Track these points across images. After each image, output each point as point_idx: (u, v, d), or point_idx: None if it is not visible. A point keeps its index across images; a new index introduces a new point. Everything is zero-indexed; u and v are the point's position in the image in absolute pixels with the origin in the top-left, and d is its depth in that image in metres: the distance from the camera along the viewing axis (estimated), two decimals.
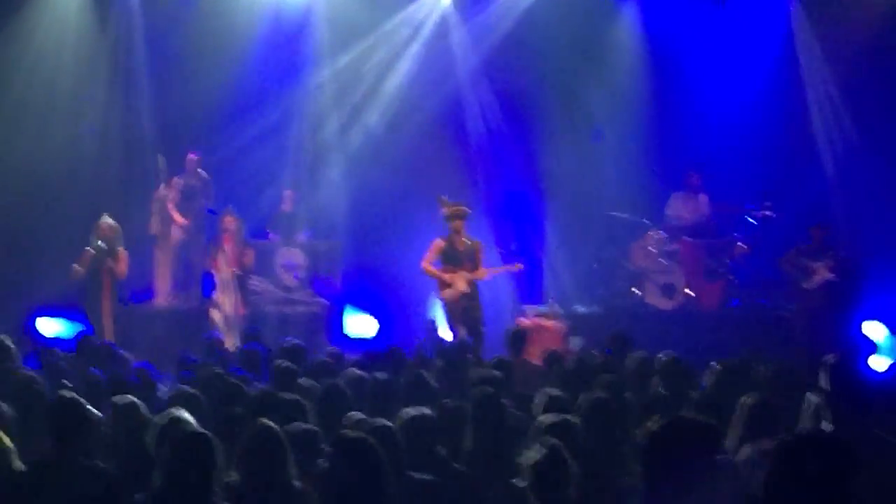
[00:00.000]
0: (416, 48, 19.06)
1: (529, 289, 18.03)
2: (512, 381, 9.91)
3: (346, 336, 17.00)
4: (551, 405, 7.79)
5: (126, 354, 11.68)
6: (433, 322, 16.09)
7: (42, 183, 17.45)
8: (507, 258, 16.04)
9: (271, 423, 6.50)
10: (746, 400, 7.11)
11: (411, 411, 7.15)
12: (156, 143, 17.74)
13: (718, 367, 9.53)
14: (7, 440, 6.94)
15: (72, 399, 7.08)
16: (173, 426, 6.84)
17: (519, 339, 12.40)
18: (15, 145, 17.49)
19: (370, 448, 5.95)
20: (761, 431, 6.64)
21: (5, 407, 7.50)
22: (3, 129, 17.56)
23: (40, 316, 16.23)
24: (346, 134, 18.81)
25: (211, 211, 16.78)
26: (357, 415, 7.79)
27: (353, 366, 10.47)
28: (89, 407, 7.08)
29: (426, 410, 7.23)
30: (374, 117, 18.78)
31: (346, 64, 18.78)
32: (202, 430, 6.47)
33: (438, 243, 15.08)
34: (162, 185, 17.20)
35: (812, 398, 6.50)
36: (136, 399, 7.78)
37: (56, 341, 14.17)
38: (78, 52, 18.21)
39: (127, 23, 18.37)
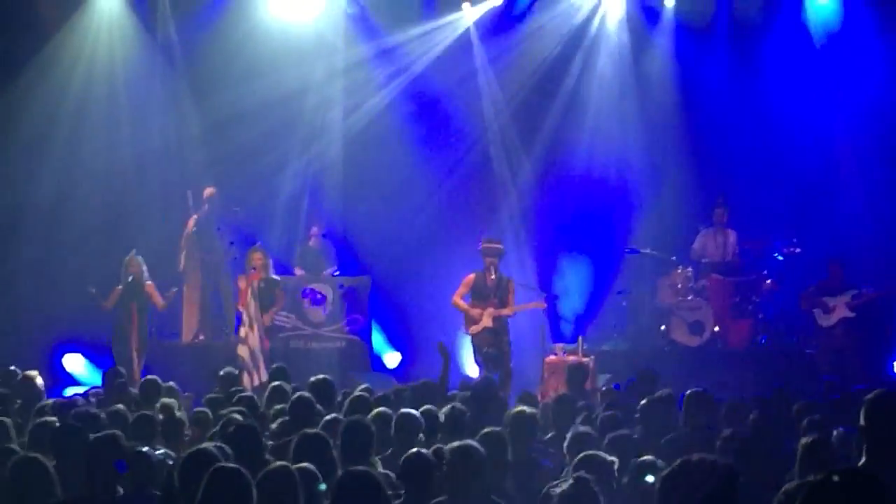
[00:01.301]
0: (442, 80, 19.16)
1: (558, 326, 18.02)
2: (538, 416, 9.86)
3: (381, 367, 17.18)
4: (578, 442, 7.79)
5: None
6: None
7: (73, 216, 17.61)
8: (533, 296, 16.03)
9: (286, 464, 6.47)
10: (804, 441, 7.08)
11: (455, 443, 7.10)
12: (188, 177, 17.82)
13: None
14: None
15: (108, 436, 7.10)
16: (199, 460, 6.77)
17: (580, 373, 12.40)
18: (43, 177, 17.63)
19: (374, 483, 5.96)
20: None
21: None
22: (29, 162, 17.66)
23: (67, 352, 16.36)
24: (374, 166, 18.88)
25: (234, 245, 16.87)
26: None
27: (380, 401, 10.46)
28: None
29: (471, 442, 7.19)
30: (401, 151, 18.87)
31: (374, 96, 18.89)
32: (234, 465, 6.39)
33: (469, 278, 15.22)
34: (190, 221, 17.25)
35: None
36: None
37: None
38: (112, 85, 18.33)
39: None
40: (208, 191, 17.35)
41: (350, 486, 6.02)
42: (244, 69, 18.20)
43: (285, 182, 18.69)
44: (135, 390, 11.87)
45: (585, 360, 15.65)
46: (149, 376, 12.49)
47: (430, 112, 19.09)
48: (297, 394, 9.91)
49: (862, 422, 5.65)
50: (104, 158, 18.04)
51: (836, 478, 4.24)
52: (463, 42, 19.33)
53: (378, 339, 18.21)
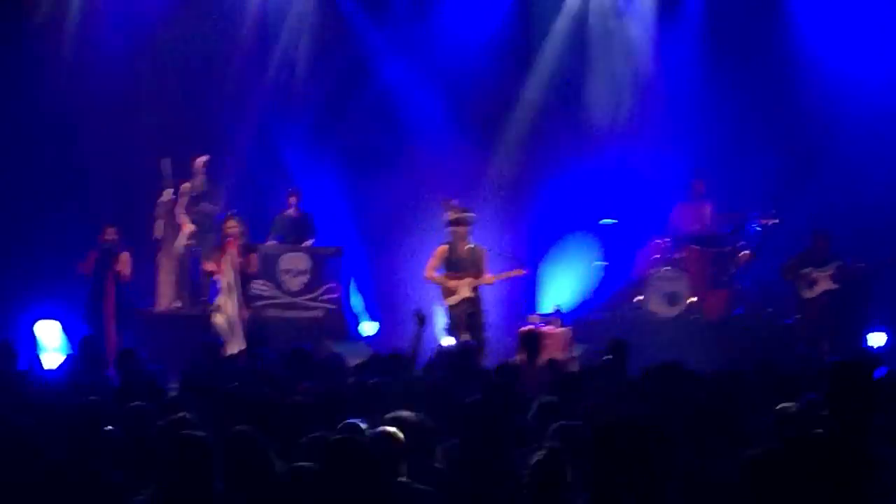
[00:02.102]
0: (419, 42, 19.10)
1: (533, 295, 18.04)
2: (516, 385, 9.88)
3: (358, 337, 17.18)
4: (545, 411, 7.79)
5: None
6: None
7: (45, 185, 17.52)
8: (512, 264, 15.95)
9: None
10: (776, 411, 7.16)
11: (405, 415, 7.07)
12: (161, 144, 17.73)
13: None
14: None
15: None
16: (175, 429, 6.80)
17: (533, 341, 12.39)
18: (16, 148, 17.54)
19: (360, 449, 5.96)
20: None
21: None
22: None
23: (41, 319, 16.30)
24: (351, 137, 18.82)
25: (218, 217, 16.78)
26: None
27: (355, 371, 10.47)
28: None
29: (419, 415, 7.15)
30: (377, 120, 18.82)
31: (353, 64, 18.79)
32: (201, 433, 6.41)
33: (441, 250, 15.10)
34: (168, 190, 17.17)
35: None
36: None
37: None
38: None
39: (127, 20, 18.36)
40: (201, 159, 17.27)
41: (340, 453, 6.00)
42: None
43: (263, 151, 18.64)
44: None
45: (561, 329, 15.69)
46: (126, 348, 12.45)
47: (409, 77, 18.99)
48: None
49: (828, 391, 5.72)
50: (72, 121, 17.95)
51: (803, 444, 4.28)
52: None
53: (358, 303, 18.27)
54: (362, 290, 18.52)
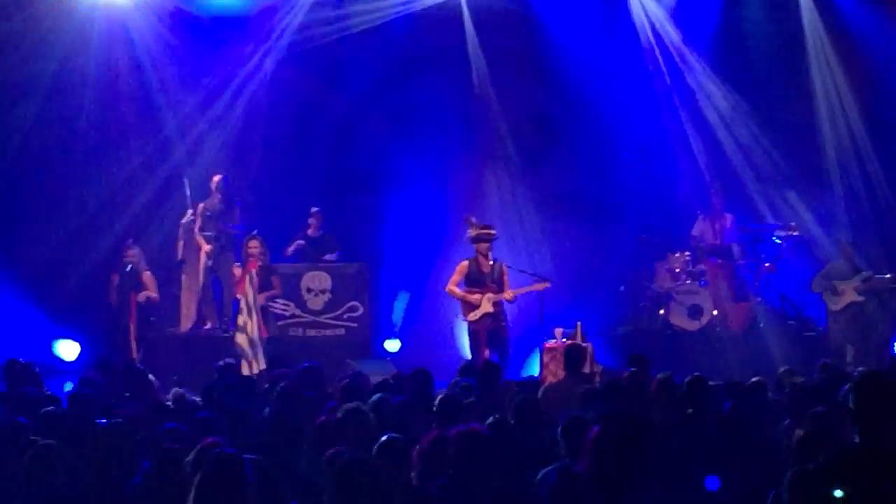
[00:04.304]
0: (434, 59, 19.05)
1: (556, 310, 18.00)
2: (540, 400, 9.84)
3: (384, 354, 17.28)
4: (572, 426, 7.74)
5: (153, 379, 11.70)
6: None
7: (71, 207, 17.62)
8: (534, 279, 15.91)
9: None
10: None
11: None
12: (183, 165, 17.77)
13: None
14: None
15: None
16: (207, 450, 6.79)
17: (575, 355, 12.34)
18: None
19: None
20: None
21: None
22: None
23: (61, 338, 16.38)
24: (372, 155, 18.83)
25: (237, 235, 16.77)
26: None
27: (378, 389, 10.45)
28: None
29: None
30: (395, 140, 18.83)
31: (371, 85, 18.78)
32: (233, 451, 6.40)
33: (463, 265, 15.15)
34: (188, 210, 17.17)
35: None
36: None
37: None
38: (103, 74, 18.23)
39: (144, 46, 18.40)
40: (216, 178, 17.26)
41: (349, 474, 6.00)
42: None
43: (284, 171, 18.67)
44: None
45: (584, 344, 15.62)
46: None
47: (425, 94, 18.99)
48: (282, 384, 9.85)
49: (850, 404, 5.66)
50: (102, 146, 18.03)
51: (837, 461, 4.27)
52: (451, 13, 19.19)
53: (399, 318, 18.33)
54: (388, 308, 18.50)
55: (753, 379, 10.18)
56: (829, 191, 18.32)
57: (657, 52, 18.89)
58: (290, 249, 17.76)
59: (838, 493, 5.61)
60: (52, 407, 8.83)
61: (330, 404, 9.36)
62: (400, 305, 18.56)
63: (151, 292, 15.96)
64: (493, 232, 15.22)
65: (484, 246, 15.09)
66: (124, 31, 18.03)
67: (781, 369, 11.39)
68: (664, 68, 18.87)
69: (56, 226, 17.54)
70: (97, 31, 17.87)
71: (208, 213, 16.97)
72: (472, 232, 15.21)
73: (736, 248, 17.67)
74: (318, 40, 18.64)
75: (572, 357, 12.32)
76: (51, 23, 17.42)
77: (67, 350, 17.26)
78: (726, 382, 10.27)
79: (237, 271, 15.26)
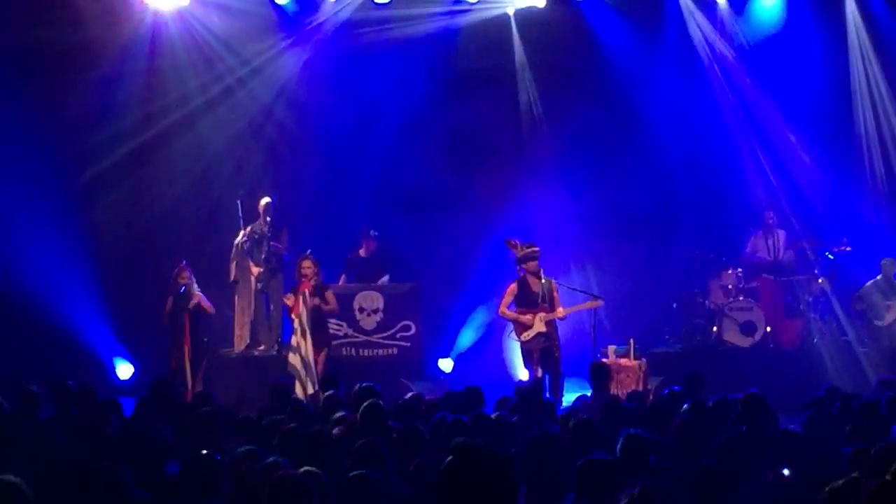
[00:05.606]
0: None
1: (609, 328, 17.96)
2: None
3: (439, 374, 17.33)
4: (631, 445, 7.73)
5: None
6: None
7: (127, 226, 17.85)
8: (586, 298, 15.87)
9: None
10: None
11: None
12: (235, 186, 17.90)
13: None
14: None
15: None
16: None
17: (602, 373, 12.31)
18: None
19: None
20: None
21: None
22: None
23: (118, 358, 16.54)
24: (423, 175, 18.89)
25: (285, 257, 16.90)
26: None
27: (430, 408, 10.48)
28: None
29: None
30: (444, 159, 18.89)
31: (420, 107, 18.84)
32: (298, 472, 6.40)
33: (512, 287, 15.18)
34: (241, 231, 17.26)
35: None
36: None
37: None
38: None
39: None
40: (264, 200, 17.37)
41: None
42: None
43: (336, 192, 18.78)
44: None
45: (636, 362, 15.61)
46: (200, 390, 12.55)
47: (474, 113, 19.04)
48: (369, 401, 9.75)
49: None
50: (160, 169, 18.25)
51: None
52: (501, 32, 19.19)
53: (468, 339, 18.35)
54: (441, 327, 18.51)
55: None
56: (878, 208, 18.23)
57: (715, 67, 18.84)
58: (341, 283, 17.81)
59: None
60: None
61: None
62: (467, 326, 18.55)
63: (204, 305, 16.04)
64: (537, 249, 15.21)
65: (533, 264, 15.08)
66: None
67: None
68: (718, 84, 18.81)
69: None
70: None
71: (256, 236, 17.09)
72: (518, 253, 15.23)
73: (789, 265, 17.63)
74: (366, 61, 18.75)
75: (597, 375, 12.30)
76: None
77: (121, 370, 17.48)
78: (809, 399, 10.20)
79: (289, 301, 15.23)
